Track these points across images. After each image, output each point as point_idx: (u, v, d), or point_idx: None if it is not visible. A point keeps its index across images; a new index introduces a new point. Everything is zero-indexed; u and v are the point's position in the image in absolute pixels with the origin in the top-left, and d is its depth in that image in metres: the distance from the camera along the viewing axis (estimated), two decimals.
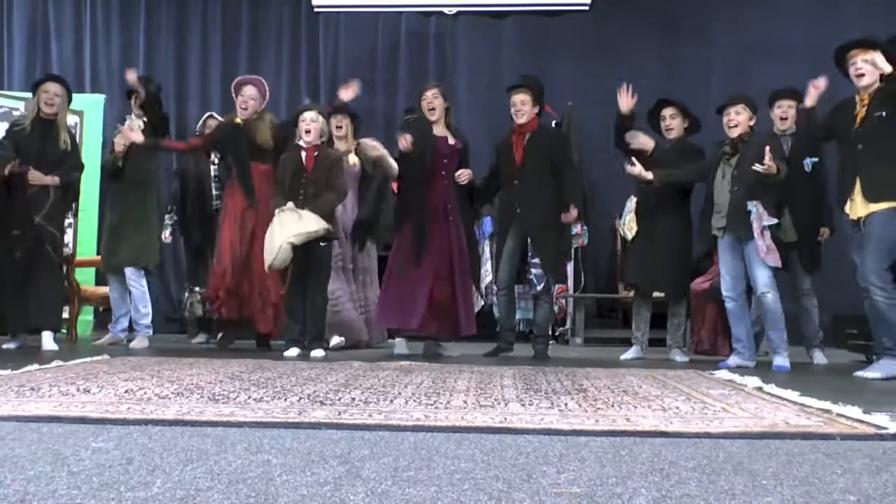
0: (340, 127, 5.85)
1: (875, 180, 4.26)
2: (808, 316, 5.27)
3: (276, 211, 5.07)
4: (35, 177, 5.31)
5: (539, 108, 5.38)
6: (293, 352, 5.10)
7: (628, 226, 5.58)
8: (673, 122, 5.42)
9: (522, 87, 5.33)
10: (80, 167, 5.69)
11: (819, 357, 5.24)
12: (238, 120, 5.66)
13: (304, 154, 5.25)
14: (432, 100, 5.37)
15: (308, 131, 5.25)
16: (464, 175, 5.34)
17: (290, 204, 5.08)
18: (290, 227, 4.96)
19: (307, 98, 6.15)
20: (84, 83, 8.28)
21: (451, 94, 5.66)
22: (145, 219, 5.93)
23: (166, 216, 6.53)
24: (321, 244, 5.18)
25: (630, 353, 5.45)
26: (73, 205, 6.08)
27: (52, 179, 5.38)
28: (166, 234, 6.49)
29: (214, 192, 6.32)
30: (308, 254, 5.13)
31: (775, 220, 4.76)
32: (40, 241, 5.32)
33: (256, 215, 5.51)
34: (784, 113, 5.28)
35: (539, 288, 5.26)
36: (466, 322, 5.30)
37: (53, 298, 5.51)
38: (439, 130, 5.38)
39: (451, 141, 5.38)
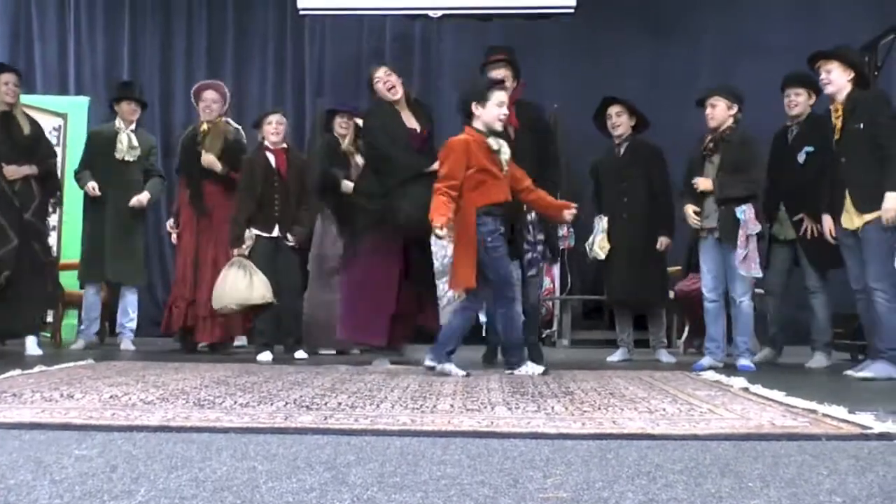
0: (346, 126, 5.46)
1: (866, 191, 4.29)
2: (814, 315, 5.09)
3: (235, 252, 5.10)
4: (11, 171, 5.04)
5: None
6: (266, 356, 5.06)
7: (599, 245, 5.47)
8: (619, 120, 5.35)
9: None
10: (54, 154, 5.52)
11: (817, 360, 5.04)
12: (204, 127, 5.75)
13: (272, 157, 5.26)
14: (386, 78, 4.68)
15: (276, 133, 5.28)
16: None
17: (250, 235, 5.13)
18: (238, 289, 4.99)
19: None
20: (68, 85, 8.22)
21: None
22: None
23: None
24: (294, 250, 5.28)
25: (617, 355, 5.45)
26: (58, 193, 5.73)
27: (31, 169, 5.15)
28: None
29: None
30: (279, 260, 5.19)
31: (759, 228, 4.76)
32: (28, 239, 5.08)
33: (211, 227, 5.67)
34: (792, 101, 5.10)
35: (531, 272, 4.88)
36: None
37: (38, 302, 5.35)
38: (406, 117, 4.72)
39: (419, 129, 4.71)
